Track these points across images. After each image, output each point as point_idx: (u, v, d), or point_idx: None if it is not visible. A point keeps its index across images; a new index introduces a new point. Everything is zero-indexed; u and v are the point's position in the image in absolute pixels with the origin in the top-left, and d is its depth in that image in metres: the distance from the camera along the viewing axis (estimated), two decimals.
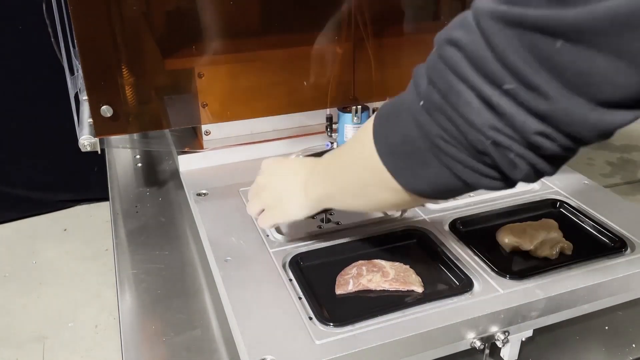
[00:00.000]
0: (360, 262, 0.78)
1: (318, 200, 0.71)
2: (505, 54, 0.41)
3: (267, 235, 0.84)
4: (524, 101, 0.42)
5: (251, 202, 0.80)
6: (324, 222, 0.88)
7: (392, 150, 0.54)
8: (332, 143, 1.13)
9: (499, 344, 0.70)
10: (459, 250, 0.80)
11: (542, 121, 0.42)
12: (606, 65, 0.38)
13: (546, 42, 0.39)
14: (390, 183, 0.56)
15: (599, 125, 0.41)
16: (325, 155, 0.71)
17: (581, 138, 0.43)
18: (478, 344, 0.69)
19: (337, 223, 0.88)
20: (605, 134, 0.43)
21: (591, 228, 0.87)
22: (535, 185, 0.98)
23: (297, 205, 0.74)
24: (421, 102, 0.49)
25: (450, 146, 0.48)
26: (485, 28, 0.42)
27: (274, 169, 0.78)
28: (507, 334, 0.70)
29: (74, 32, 0.91)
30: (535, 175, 0.48)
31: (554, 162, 0.47)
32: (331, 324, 0.66)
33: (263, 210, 0.78)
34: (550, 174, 0.48)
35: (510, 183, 0.50)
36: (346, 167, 0.64)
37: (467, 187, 0.52)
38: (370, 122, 0.58)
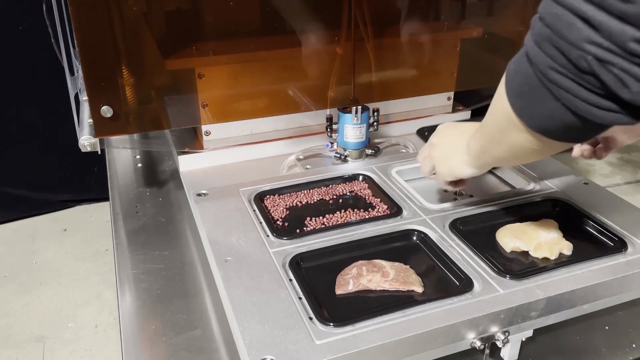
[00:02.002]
0: (360, 262, 0.78)
1: (476, 155, 0.77)
2: None
3: (267, 236, 0.84)
4: (617, 10, 0.44)
5: (423, 162, 0.89)
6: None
7: (515, 91, 0.59)
8: (332, 143, 1.14)
9: (499, 344, 0.70)
10: (459, 250, 0.80)
11: (638, 28, 0.44)
12: None
13: None
14: (518, 123, 0.61)
15: None
16: None
17: None
18: (478, 344, 0.69)
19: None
20: None
21: (591, 228, 0.87)
22: (535, 185, 0.98)
23: (461, 162, 0.81)
24: (533, 38, 0.53)
25: (558, 74, 0.51)
26: None
27: (446, 131, 0.86)
28: (507, 334, 0.70)
29: (74, 32, 0.91)
30: None
31: None
32: (331, 324, 0.66)
33: (434, 169, 0.87)
34: None
35: (628, 109, 0.50)
36: (490, 117, 0.69)
37: (583, 121, 0.53)
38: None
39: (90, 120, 0.99)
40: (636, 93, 0.48)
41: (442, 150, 0.85)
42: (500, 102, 0.63)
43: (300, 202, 0.96)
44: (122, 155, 1.28)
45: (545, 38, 0.51)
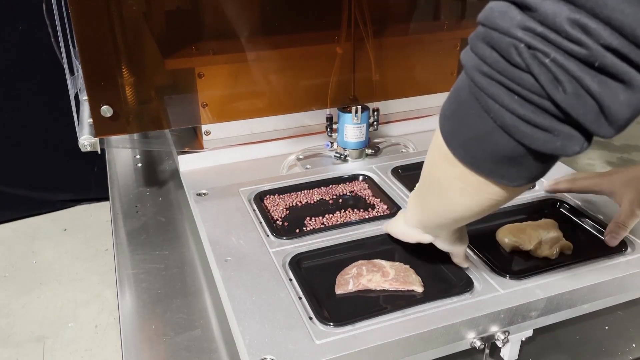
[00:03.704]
0: (360, 262, 0.78)
1: (411, 210, 0.71)
2: None
3: (267, 235, 0.84)
4: None
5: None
6: None
7: (446, 112, 0.51)
8: (332, 143, 1.14)
9: (499, 343, 0.70)
10: None
11: (576, 6, 0.38)
12: None
13: None
14: (446, 153, 0.51)
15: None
16: None
17: (622, 26, 0.37)
18: (478, 344, 0.69)
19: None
20: None
21: (591, 228, 0.87)
22: (535, 185, 0.98)
23: (400, 219, 0.77)
24: (469, 45, 0.46)
25: (486, 78, 0.43)
26: None
27: None
28: (507, 334, 0.70)
29: (74, 32, 0.91)
30: (586, 94, 0.39)
31: (603, 73, 0.39)
32: (331, 324, 0.66)
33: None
34: (611, 104, 0.39)
35: (563, 129, 0.42)
36: (426, 159, 0.60)
37: (513, 146, 0.45)
38: None
39: (90, 120, 0.98)
40: (571, 96, 0.39)
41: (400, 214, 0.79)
42: (435, 136, 0.54)
43: (300, 202, 0.96)
44: (122, 155, 1.28)
45: (479, 37, 0.44)
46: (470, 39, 0.45)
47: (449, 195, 0.56)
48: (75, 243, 2.44)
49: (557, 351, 0.75)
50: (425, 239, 0.72)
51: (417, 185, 0.66)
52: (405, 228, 0.74)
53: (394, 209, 0.91)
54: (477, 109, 0.45)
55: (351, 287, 0.74)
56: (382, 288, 0.74)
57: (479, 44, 0.44)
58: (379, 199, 0.96)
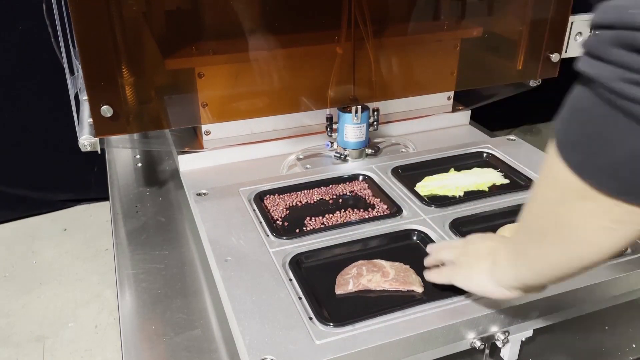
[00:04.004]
0: (360, 262, 0.78)
1: (507, 269, 0.59)
2: None
3: (267, 235, 0.84)
4: None
5: (443, 248, 0.73)
6: None
7: (571, 139, 0.43)
8: (332, 143, 1.13)
9: (499, 344, 0.70)
10: None
11: None
12: None
13: None
14: (577, 190, 0.43)
15: None
16: None
17: None
18: (478, 344, 0.69)
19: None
20: None
21: None
22: None
23: (480, 272, 0.63)
24: (586, 54, 0.40)
25: (635, 86, 0.37)
26: None
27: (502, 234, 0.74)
28: (507, 334, 0.70)
29: (74, 32, 0.91)
30: None
31: None
32: (331, 324, 0.66)
33: (443, 264, 0.72)
34: None
35: None
36: (533, 199, 0.51)
37: None
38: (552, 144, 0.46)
39: (90, 120, 0.98)
40: None
41: (470, 251, 0.66)
42: (548, 172, 0.46)
43: (300, 202, 0.96)
44: (122, 155, 1.28)
45: (611, 42, 0.37)
46: (593, 47, 0.39)
47: (579, 238, 0.47)
48: (75, 243, 2.44)
49: (557, 351, 0.75)
50: (515, 295, 0.61)
51: (513, 239, 0.57)
52: (494, 288, 0.62)
53: (393, 208, 0.91)
54: (625, 126, 0.38)
55: (351, 287, 0.74)
56: (382, 288, 0.74)
57: (612, 50, 0.37)
58: (379, 199, 0.96)
